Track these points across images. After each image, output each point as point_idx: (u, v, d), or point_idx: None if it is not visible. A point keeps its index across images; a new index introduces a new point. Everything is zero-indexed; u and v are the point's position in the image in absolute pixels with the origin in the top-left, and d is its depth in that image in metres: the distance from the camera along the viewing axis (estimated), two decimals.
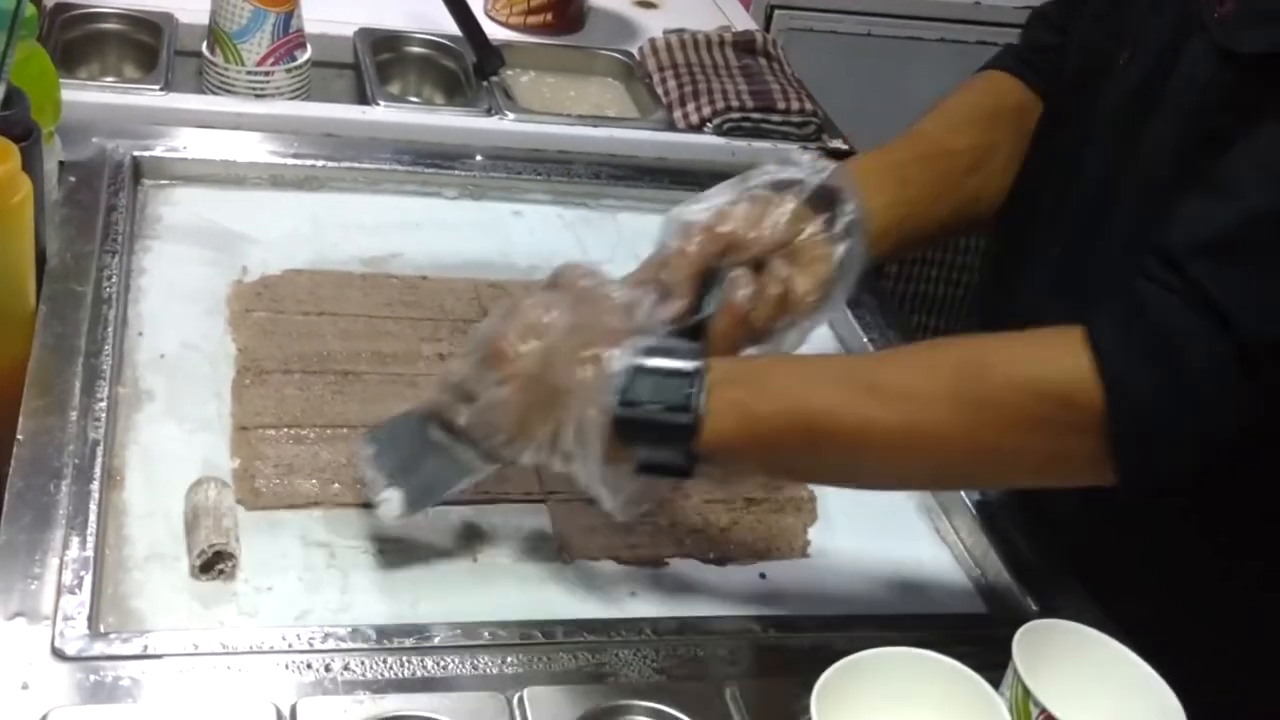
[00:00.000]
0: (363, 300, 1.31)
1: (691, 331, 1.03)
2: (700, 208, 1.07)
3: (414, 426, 1.04)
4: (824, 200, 1.08)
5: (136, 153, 1.41)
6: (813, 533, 1.16)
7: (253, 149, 1.48)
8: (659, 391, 0.93)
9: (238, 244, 1.35)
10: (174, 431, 1.11)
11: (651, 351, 0.94)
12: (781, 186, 1.09)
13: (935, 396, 0.93)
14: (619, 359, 0.94)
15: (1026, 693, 0.86)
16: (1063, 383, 0.90)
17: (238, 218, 1.39)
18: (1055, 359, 0.91)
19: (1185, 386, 0.89)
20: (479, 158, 1.55)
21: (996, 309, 1.21)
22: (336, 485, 1.09)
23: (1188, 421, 0.90)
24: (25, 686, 0.85)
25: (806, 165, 1.09)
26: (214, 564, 0.99)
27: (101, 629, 0.91)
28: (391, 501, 1.01)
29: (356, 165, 1.49)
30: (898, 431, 0.93)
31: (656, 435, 0.94)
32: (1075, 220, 1.10)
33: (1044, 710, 0.86)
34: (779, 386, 0.96)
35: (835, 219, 1.08)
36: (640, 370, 0.93)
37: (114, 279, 1.22)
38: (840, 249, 1.07)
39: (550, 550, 1.08)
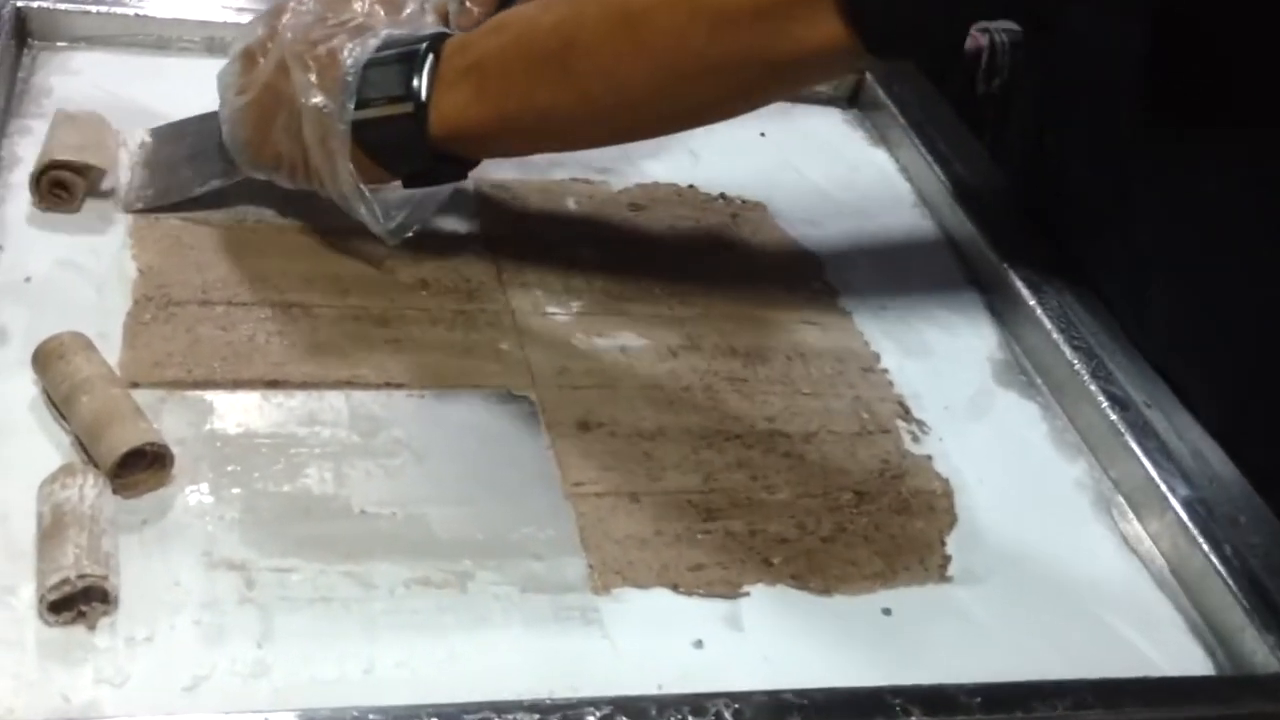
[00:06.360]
0: (320, 205, 0.94)
1: None
2: None
3: (200, 125, 0.96)
4: None
5: (21, 3, 1.06)
6: (952, 543, 0.81)
7: (180, 3, 1.13)
8: (385, 83, 0.85)
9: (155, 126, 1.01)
10: (30, 389, 0.77)
11: (388, 43, 0.87)
12: None
13: None
14: (355, 53, 0.86)
15: None
16: None
17: (157, 94, 1.04)
18: None
19: None
20: None
21: None
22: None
23: None
24: None
25: None
26: (74, 603, 0.65)
27: None
28: (128, 194, 0.93)
29: None
30: (624, 27, 0.82)
31: (392, 134, 0.86)
32: None
33: None
34: (509, 25, 0.86)
35: None
36: (370, 65, 0.86)
37: None
38: None
39: (576, 572, 0.74)
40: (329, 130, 0.85)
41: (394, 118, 0.85)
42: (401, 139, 0.86)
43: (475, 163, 0.91)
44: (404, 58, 0.85)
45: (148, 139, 0.97)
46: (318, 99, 0.85)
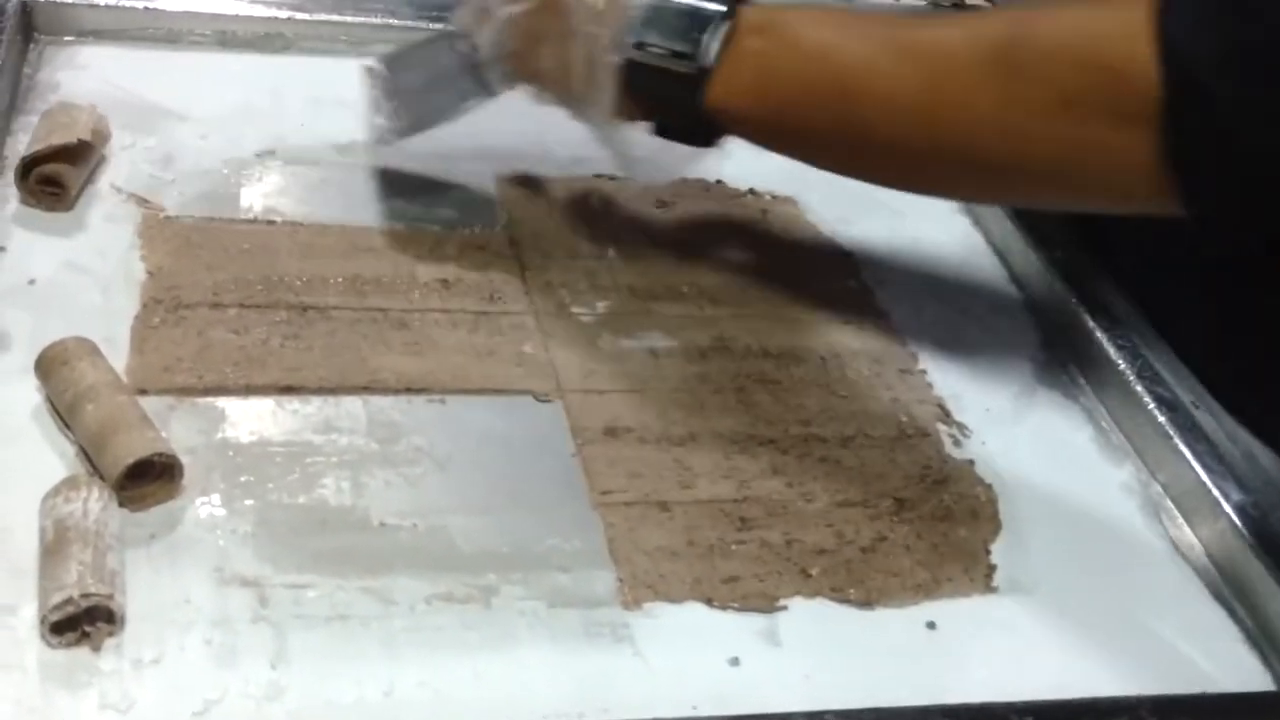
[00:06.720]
0: (337, 202, 0.93)
1: None
2: None
3: (435, 49, 0.93)
4: None
5: None
6: (997, 552, 0.78)
7: None
8: (670, 33, 0.82)
9: (164, 124, 0.97)
10: (34, 397, 0.74)
11: None
12: None
13: (969, 61, 0.76)
14: None
15: None
16: (1109, 48, 0.72)
17: (167, 88, 1.01)
18: (1108, 21, 0.72)
19: (1263, 50, 0.66)
20: None
21: None
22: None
23: (1262, 99, 0.66)
24: None
25: None
26: (77, 623, 0.62)
27: None
28: (383, 126, 0.92)
29: (337, 19, 1.10)
30: (922, 95, 0.77)
31: (663, 86, 0.82)
32: None
33: None
34: (808, 38, 0.81)
35: None
36: (659, 8, 0.82)
37: None
38: None
39: (605, 586, 0.70)
40: (599, 61, 0.82)
41: (671, 72, 0.82)
42: (672, 94, 0.82)
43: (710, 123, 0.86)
44: (696, 15, 0.82)
45: (381, 69, 0.93)
46: (597, 27, 0.82)
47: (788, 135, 0.84)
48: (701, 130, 0.85)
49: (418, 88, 0.92)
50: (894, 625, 0.72)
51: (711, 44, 0.81)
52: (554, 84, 0.86)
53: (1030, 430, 0.88)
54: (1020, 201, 0.82)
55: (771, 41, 0.81)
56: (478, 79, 0.89)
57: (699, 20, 0.81)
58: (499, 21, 0.86)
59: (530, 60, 0.86)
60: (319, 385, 0.78)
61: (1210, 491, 0.81)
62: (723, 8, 0.82)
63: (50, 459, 0.70)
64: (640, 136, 0.86)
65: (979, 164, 0.78)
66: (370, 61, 0.93)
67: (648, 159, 0.87)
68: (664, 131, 0.86)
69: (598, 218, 0.98)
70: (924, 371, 0.90)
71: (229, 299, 0.82)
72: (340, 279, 0.86)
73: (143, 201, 0.89)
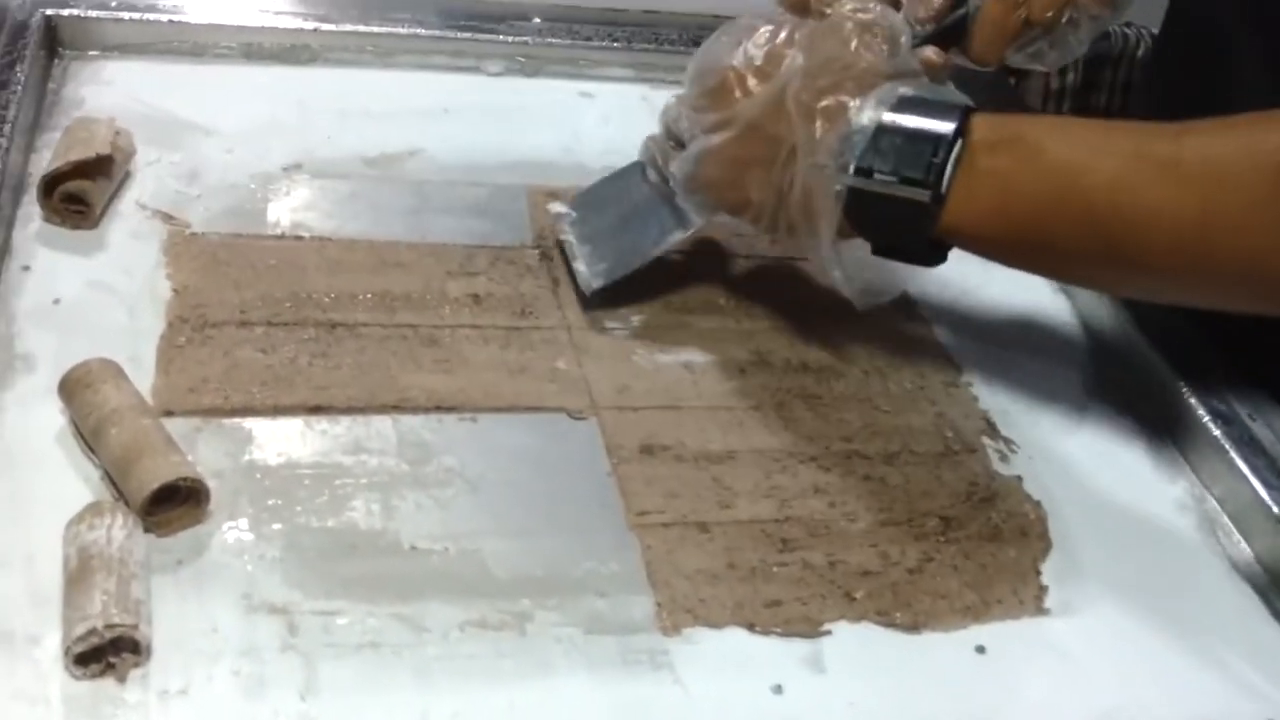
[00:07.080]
0: (365, 216, 0.91)
1: (952, 33, 0.84)
2: None
3: (622, 184, 0.91)
4: None
5: (51, 10, 1.01)
6: (1048, 572, 0.75)
7: (217, 7, 1.08)
8: (899, 158, 0.75)
9: (190, 139, 0.96)
10: (58, 420, 0.72)
11: (903, 104, 0.76)
12: None
13: (1248, 181, 0.70)
14: (866, 111, 0.76)
15: None
16: None
17: (193, 102, 1.00)
18: None
19: None
20: (536, 20, 1.15)
21: None
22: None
23: None
24: None
25: None
26: (102, 654, 0.60)
27: None
28: (584, 273, 0.88)
29: (363, 29, 1.09)
30: (1191, 215, 0.71)
31: (890, 212, 0.76)
32: None
33: None
34: (1052, 154, 0.75)
35: None
36: (884, 131, 0.76)
37: None
38: None
39: (643, 611, 0.68)
40: (820, 190, 0.77)
41: (901, 200, 0.76)
42: (901, 221, 0.77)
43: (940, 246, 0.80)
44: (926, 136, 0.75)
45: (571, 212, 0.91)
46: (819, 158, 0.77)
47: (1029, 254, 0.78)
48: (927, 250, 0.79)
49: (612, 227, 0.90)
50: (942, 649, 0.70)
51: (947, 169, 0.75)
52: (765, 214, 0.80)
53: (1080, 445, 0.85)
54: None
55: (1012, 159, 0.75)
56: (673, 211, 0.87)
57: (930, 143, 0.75)
58: (696, 152, 0.82)
59: (734, 190, 0.81)
60: (348, 405, 0.76)
61: (1269, 507, 0.79)
62: (953, 125, 0.75)
63: (74, 484, 0.69)
64: (858, 255, 0.80)
65: (1256, 281, 0.72)
66: (558, 206, 0.92)
67: (869, 279, 0.82)
68: (882, 250, 0.80)
69: None
70: (969, 384, 0.88)
71: (256, 317, 0.81)
72: (369, 295, 0.84)
73: (168, 218, 0.87)
